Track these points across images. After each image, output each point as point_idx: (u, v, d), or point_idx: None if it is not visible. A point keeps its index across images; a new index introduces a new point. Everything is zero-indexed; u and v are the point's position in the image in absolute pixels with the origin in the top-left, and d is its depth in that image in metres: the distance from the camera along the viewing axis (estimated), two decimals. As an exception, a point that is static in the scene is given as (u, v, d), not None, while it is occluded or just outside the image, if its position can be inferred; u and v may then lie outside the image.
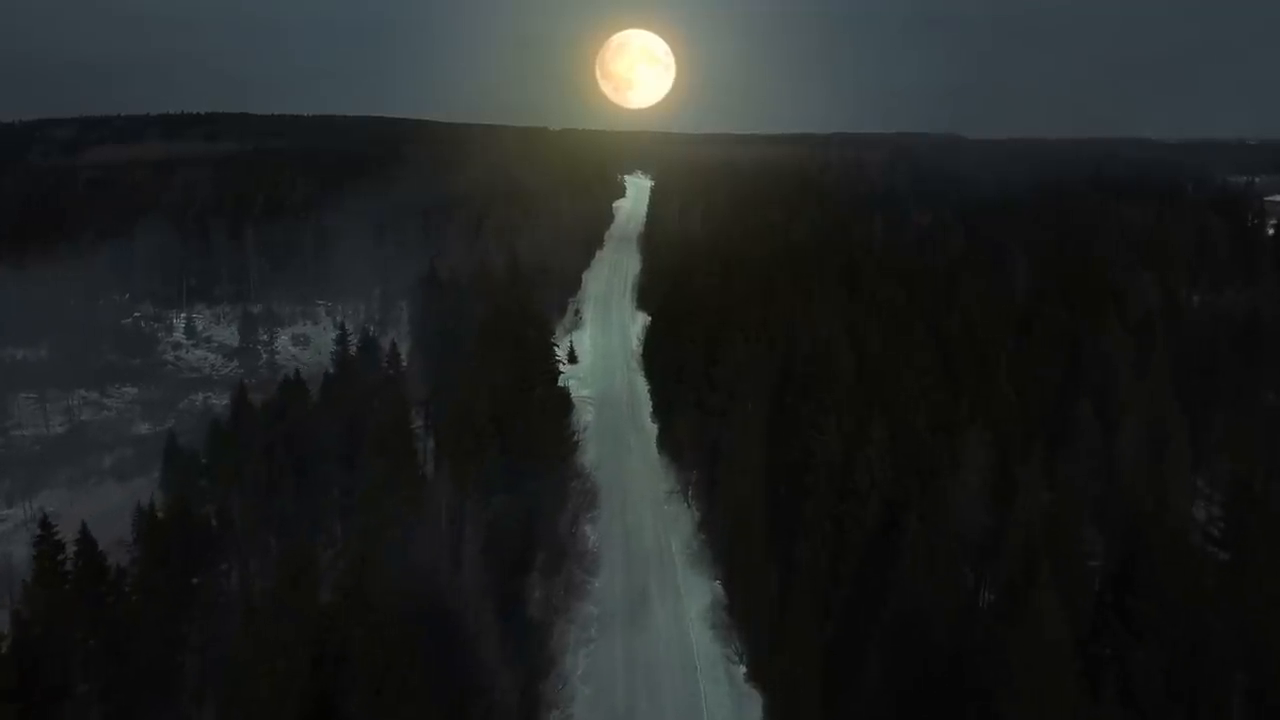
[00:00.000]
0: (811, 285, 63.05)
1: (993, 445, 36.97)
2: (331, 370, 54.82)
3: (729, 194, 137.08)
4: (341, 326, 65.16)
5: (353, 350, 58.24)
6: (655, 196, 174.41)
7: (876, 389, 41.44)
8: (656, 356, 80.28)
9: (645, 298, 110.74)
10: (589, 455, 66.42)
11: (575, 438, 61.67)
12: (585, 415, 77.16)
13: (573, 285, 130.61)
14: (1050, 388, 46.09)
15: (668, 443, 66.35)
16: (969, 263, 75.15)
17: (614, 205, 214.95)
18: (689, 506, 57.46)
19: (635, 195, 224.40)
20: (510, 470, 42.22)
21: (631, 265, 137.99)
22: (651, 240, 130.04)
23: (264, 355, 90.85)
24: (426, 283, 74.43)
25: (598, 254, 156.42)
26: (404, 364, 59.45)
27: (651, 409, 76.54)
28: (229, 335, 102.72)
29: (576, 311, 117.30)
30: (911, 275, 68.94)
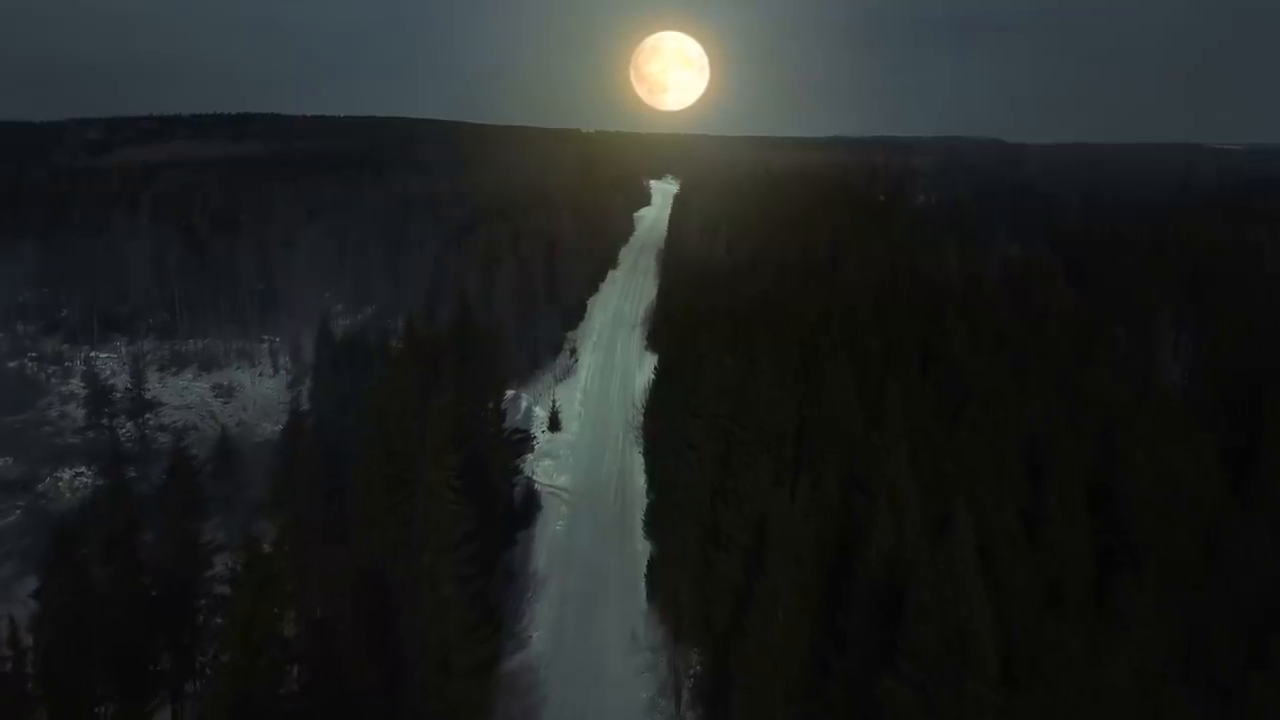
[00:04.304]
0: (876, 374, 41.90)
1: None
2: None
3: (760, 210, 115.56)
4: (112, 450, 44.96)
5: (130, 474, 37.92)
6: (676, 213, 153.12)
7: (1026, 639, 20.53)
8: (657, 433, 59.35)
9: (657, 336, 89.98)
10: (543, 607, 45.95)
11: (523, 627, 41.09)
12: (553, 522, 56.58)
13: (575, 316, 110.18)
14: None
15: (660, 587, 45.59)
16: (1091, 323, 53.50)
17: (636, 215, 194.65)
18: (681, 727, 36.65)
19: (662, 203, 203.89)
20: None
21: (647, 289, 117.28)
22: (667, 268, 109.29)
23: (127, 423, 70.45)
24: (320, 347, 53.98)
25: (610, 274, 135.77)
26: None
27: (647, 509, 55.49)
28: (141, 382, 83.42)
29: (572, 352, 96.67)
30: (1019, 348, 47.54)
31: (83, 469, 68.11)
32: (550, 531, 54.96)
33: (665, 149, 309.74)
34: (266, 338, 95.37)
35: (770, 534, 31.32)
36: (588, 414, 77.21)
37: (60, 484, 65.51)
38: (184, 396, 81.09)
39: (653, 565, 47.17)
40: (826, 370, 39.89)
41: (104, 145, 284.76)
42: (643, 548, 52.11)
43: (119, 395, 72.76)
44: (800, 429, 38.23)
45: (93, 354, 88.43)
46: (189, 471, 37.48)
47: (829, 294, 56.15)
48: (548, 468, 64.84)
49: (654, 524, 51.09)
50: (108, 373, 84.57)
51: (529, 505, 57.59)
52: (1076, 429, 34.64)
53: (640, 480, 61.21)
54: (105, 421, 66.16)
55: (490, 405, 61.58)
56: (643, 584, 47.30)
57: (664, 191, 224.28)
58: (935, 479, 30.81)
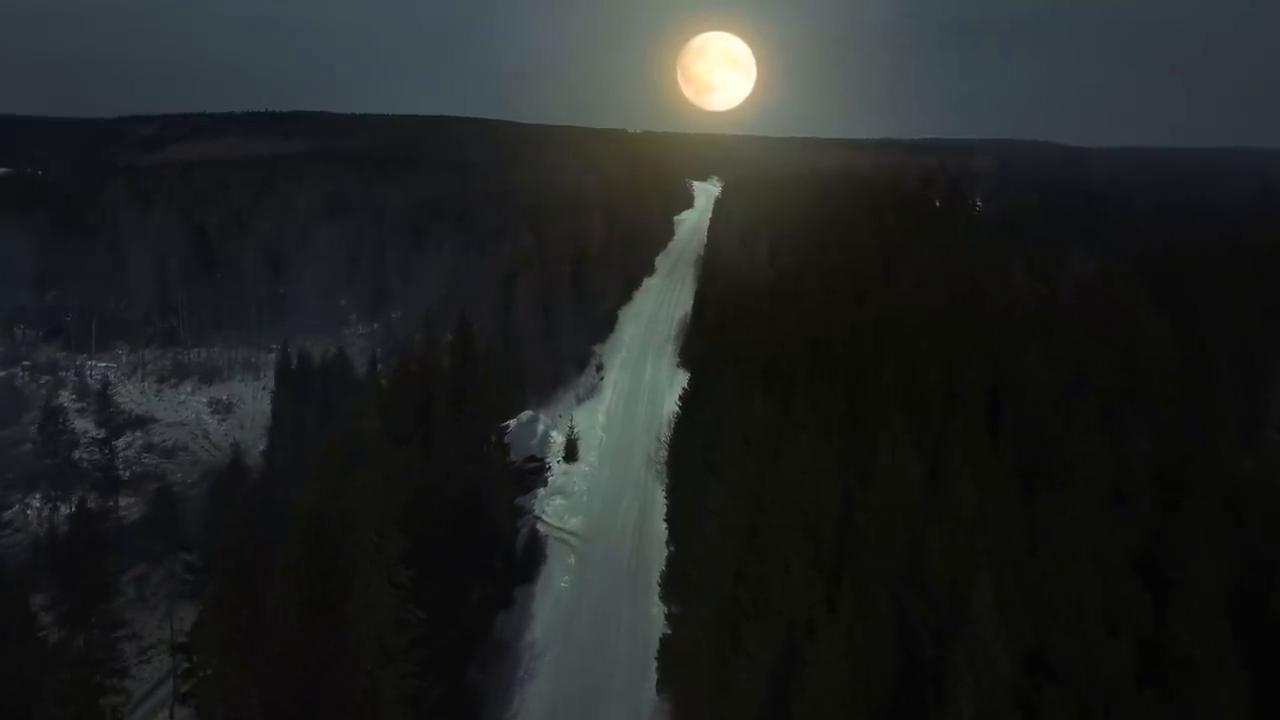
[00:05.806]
0: (937, 426, 34.34)
1: None
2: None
3: (805, 215, 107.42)
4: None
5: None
6: (717, 218, 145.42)
7: None
8: (679, 473, 52.03)
9: (690, 351, 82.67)
10: (536, 689, 39.10)
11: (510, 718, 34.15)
12: (558, 577, 49.58)
13: (605, 327, 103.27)
14: None
15: (672, 676, 38.37)
16: (1197, 372, 45.16)
17: (677, 218, 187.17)
18: None
19: (704, 205, 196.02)
20: None
21: (684, 298, 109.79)
22: (703, 280, 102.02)
23: (111, 444, 64.54)
24: (281, 373, 47.67)
25: (646, 282, 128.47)
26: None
27: (665, 564, 48.18)
28: (138, 395, 78.46)
29: (599, 368, 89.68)
30: (1111, 395, 39.61)
31: (58, 493, 62.79)
32: (554, 589, 48.05)
33: (710, 150, 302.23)
34: (275, 347, 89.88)
35: (803, 657, 24.06)
36: (609, 441, 70.11)
37: (29, 512, 60.15)
38: (179, 412, 75.80)
39: (665, 645, 40.01)
40: (878, 434, 32.30)
41: (156, 142, 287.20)
42: (658, 612, 45.02)
43: (86, 411, 67.34)
44: (845, 500, 30.80)
45: (90, 363, 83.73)
46: (96, 531, 31.18)
47: (881, 320, 48.43)
48: (558, 508, 57.96)
49: (670, 587, 43.95)
50: (101, 384, 79.52)
51: (533, 554, 50.79)
52: (1204, 516, 26.83)
53: (662, 525, 53.97)
54: (64, 448, 60.45)
55: (493, 438, 55.11)
56: (654, 666, 40.20)
57: (708, 193, 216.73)
58: (1021, 594, 23.28)
